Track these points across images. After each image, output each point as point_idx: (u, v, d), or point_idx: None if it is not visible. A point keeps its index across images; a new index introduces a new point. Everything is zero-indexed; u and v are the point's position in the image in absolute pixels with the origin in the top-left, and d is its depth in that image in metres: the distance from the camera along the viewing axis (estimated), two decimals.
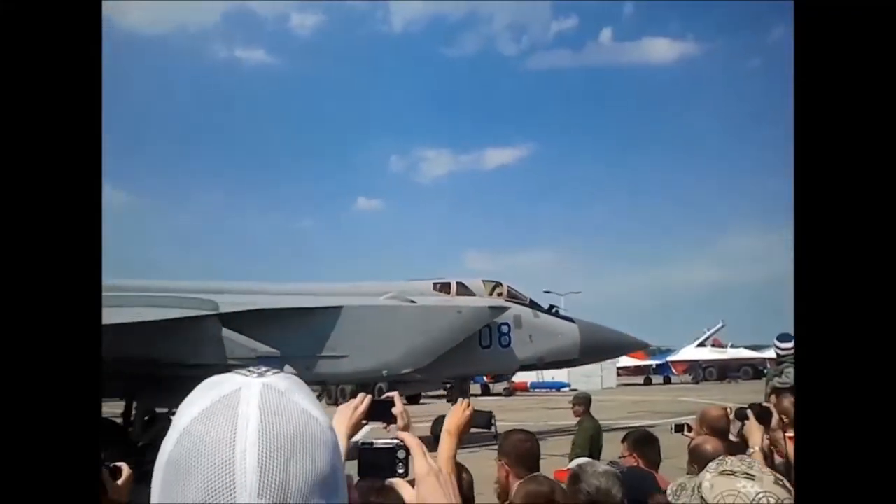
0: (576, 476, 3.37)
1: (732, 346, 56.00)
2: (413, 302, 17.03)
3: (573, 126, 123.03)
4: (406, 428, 2.47)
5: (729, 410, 5.48)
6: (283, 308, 15.12)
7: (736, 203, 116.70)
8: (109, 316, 11.44)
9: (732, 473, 2.22)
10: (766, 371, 21.75)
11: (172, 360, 13.29)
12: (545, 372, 43.46)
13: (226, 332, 14.15)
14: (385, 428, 2.81)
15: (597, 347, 20.23)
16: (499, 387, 43.39)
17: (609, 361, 47.93)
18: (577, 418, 10.47)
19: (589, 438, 10.03)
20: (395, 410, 2.49)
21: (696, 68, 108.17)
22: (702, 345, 56.48)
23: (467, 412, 3.17)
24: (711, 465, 2.39)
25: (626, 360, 50.08)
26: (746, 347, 55.65)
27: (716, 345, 56.46)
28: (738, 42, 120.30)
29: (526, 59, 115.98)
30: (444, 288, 18.29)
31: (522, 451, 3.75)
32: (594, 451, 9.95)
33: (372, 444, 2.12)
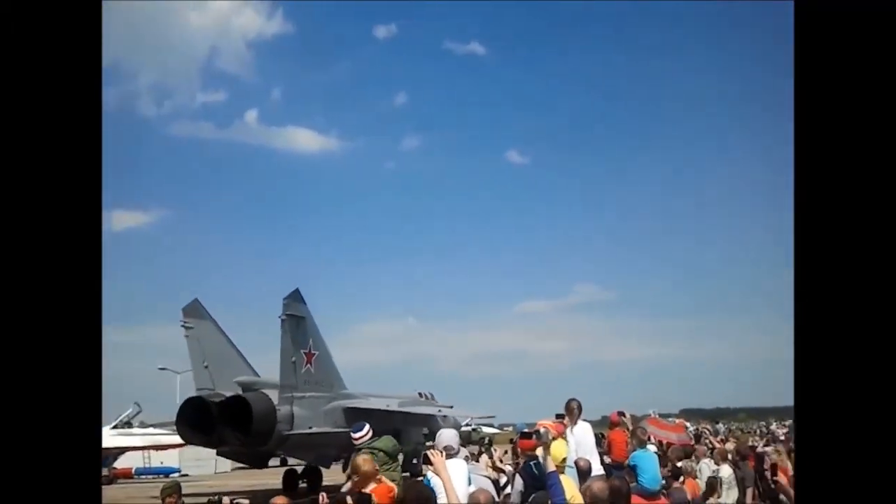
0: None
1: None
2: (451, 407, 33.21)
3: (209, 197, 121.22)
4: None
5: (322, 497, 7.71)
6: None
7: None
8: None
9: None
10: None
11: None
12: (153, 455, 44.21)
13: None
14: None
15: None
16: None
17: None
18: None
19: None
20: None
21: (337, 162, 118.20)
22: None
23: None
24: None
25: None
26: None
27: None
28: (377, 144, 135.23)
29: (166, 124, 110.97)
30: (423, 395, 33.63)
31: None
32: None
33: None
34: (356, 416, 27.20)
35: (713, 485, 11.63)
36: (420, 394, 33.60)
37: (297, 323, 25.37)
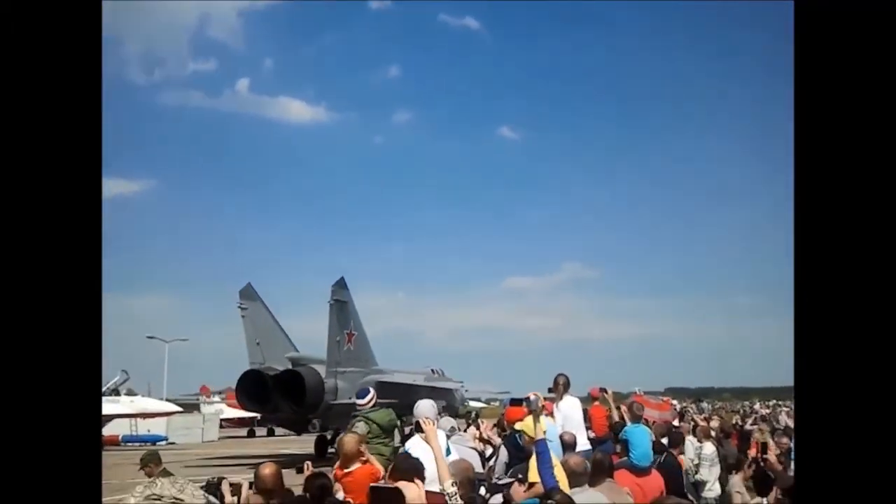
0: None
1: None
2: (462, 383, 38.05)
3: (198, 166, 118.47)
4: None
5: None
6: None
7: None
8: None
9: None
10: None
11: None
12: (140, 423, 45.48)
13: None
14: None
15: None
16: None
17: (213, 413, 53.28)
18: (150, 478, 9.00)
19: None
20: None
21: (327, 133, 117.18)
22: None
23: None
24: None
25: (229, 412, 51.96)
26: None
27: None
28: (367, 118, 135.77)
29: (155, 92, 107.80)
30: (435, 371, 37.15)
31: None
32: None
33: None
34: (387, 389, 30.59)
35: (741, 462, 11.96)
36: (432, 370, 37.02)
37: (341, 307, 28.41)
